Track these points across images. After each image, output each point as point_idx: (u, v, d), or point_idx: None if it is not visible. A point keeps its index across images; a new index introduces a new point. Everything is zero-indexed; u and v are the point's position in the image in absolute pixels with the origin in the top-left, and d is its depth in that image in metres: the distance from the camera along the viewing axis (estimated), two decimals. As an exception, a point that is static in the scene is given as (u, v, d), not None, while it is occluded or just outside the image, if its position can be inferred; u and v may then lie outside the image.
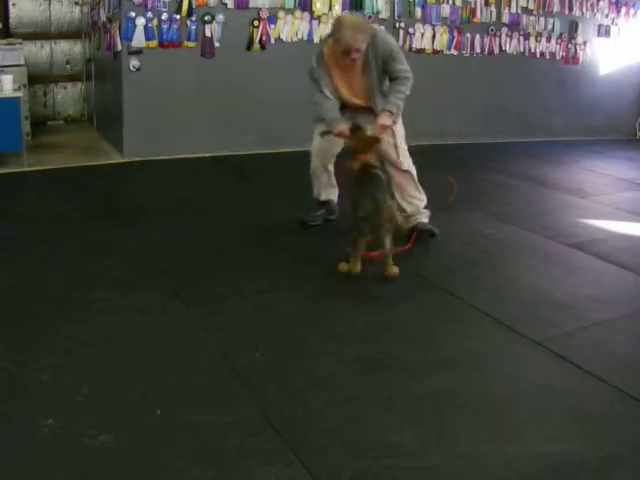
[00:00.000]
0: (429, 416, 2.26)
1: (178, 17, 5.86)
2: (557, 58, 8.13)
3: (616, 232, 4.47)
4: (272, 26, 6.29)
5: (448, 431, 2.18)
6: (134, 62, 5.82)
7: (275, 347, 2.67)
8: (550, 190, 5.62)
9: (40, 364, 2.44)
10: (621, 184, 6.12)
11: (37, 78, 7.34)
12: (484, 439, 2.14)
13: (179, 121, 6.06)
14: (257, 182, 5.41)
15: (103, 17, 6.41)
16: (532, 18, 7.79)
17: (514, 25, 7.68)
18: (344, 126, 3.61)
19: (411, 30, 7.00)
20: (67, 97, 7.83)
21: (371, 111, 3.79)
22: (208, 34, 6.03)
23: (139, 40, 5.77)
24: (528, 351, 2.76)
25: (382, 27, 6.64)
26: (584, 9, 8.19)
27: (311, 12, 6.39)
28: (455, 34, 7.28)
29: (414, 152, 4.05)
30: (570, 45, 8.19)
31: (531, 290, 3.41)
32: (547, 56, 8.03)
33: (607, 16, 8.45)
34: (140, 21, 5.73)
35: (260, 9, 6.18)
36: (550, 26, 7.95)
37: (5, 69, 5.88)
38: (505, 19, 7.59)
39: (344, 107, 3.87)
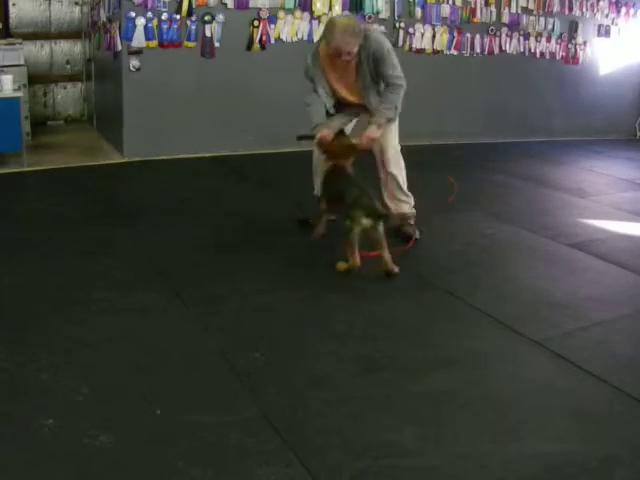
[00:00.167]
0: (428, 416, 2.26)
1: (178, 17, 5.86)
2: (557, 58, 8.13)
3: (616, 232, 4.47)
4: (272, 26, 6.29)
5: (448, 431, 2.18)
6: (134, 62, 5.82)
7: (275, 347, 2.67)
8: (550, 190, 5.62)
9: (40, 364, 2.44)
10: (621, 184, 6.12)
11: (37, 78, 7.34)
12: (484, 439, 2.14)
13: (179, 121, 6.07)
14: (257, 182, 5.41)
15: (103, 17, 6.41)
16: (532, 18, 7.79)
17: (514, 25, 7.68)
18: (327, 132, 3.64)
19: (411, 30, 6.99)
20: (67, 97, 7.83)
21: (367, 109, 3.80)
22: (208, 34, 6.03)
23: (139, 40, 5.77)
24: (528, 351, 2.76)
25: (382, 27, 6.69)
26: (584, 9, 8.19)
27: (311, 12, 6.39)
28: (455, 34, 7.28)
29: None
30: (570, 45, 8.19)
31: (531, 290, 3.41)
32: (547, 56, 8.03)
33: (607, 16, 8.45)
34: (140, 21, 5.73)
35: (260, 9, 6.18)
36: (550, 26, 7.95)
37: (5, 69, 5.88)
38: (505, 19, 7.59)
39: (341, 104, 3.88)
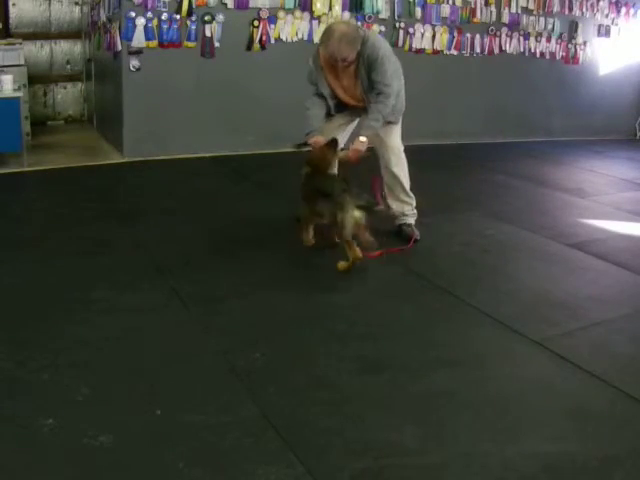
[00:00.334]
0: (429, 415, 2.26)
1: (178, 17, 5.86)
2: (557, 58, 8.14)
3: (616, 232, 4.47)
4: (272, 26, 6.29)
5: (448, 430, 2.18)
6: (134, 62, 5.82)
7: (275, 347, 2.67)
8: (550, 190, 5.62)
9: (40, 364, 2.44)
10: (621, 184, 6.12)
11: (37, 78, 7.34)
12: (484, 439, 2.14)
13: (179, 121, 6.07)
14: (257, 182, 5.41)
15: (103, 17, 6.41)
16: (532, 18, 7.79)
17: (514, 25, 7.68)
18: (320, 138, 3.65)
19: (411, 30, 7.00)
20: (67, 97, 7.83)
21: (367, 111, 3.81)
22: (208, 34, 6.03)
23: (139, 40, 5.77)
24: (528, 351, 2.76)
25: (381, 27, 6.70)
26: (584, 9, 8.19)
27: (311, 12, 6.39)
28: (455, 34, 7.28)
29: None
30: (570, 45, 8.19)
31: (531, 290, 3.41)
32: (547, 56, 8.03)
33: (607, 16, 8.45)
34: (140, 21, 5.73)
35: (260, 9, 6.18)
36: (550, 26, 7.95)
37: (5, 69, 5.87)
38: (505, 19, 7.60)
39: (342, 105, 3.88)
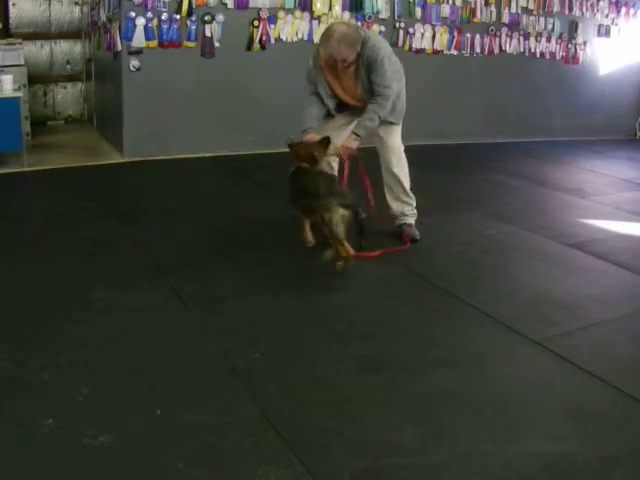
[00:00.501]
0: (429, 415, 2.26)
1: (178, 17, 5.87)
2: (557, 58, 8.14)
3: (616, 232, 4.47)
4: (272, 26, 6.29)
5: (448, 430, 2.18)
6: (134, 62, 5.82)
7: (275, 347, 2.67)
8: (550, 190, 5.62)
9: (40, 364, 2.44)
10: (621, 184, 6.12)
11: (37, 78, 7.34)
12: (484, 439, 2.14)
13: (179, 121, 6.07)
14: (257, 182, 5.41)
15: (103, 17, 6.41)
16: (532, 18, 7.79)
17: (514, 25, 7.68)
18: (315, 136, 3.65)
19: (411, 30, 7.00)
20: (67, 97, 7.83)
21: None
22: (208, 34, 6.03)
23: (139, 40, 5.77)
24: (528, 351, 2.76)
25: (381, 27, 6.70)
26: (584, 9, 8.19)
27: (311, 12, 6.39)
28: (455, 34, 7.28)
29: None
30: (570, 45, 8.19)
31: (531, 290, 3.41)
32: (547, 56, 8.03)
33: (607, 16, 8.45)
34: (140, 21, 5.73)
35: (260, 9, 6.18)
36: (550, 26, 7.96)
37: (5, 69, 5.87)
38: (505, 19, 7.60)
39: (342, 105, 3.88)
